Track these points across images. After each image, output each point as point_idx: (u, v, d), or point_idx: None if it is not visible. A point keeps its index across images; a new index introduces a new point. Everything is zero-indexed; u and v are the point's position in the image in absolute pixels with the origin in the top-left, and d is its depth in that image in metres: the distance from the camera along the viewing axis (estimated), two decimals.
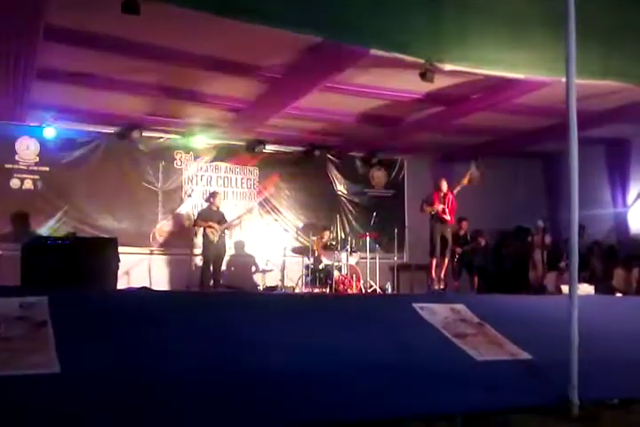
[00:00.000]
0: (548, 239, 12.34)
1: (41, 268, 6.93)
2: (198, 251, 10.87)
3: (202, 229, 10.70)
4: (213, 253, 10.60)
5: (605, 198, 12.78)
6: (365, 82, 8.98)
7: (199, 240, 10.80)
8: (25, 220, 10.83)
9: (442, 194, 10.78)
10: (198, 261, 11.02)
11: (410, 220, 13.53)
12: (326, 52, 7.47)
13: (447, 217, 10.72)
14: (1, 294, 4.51)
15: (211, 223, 10.60)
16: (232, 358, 4.11)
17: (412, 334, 4.99)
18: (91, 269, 7.15)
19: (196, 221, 10.84)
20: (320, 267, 11.20)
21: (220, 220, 10.80)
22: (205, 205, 11.28)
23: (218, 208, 10.99)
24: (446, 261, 10.91)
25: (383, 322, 5.09)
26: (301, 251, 12.00)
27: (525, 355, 4.83)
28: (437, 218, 10.68)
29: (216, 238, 10.56)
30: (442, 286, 10.86)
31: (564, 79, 4.50)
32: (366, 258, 11.72)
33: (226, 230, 10.89)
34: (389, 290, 11.87)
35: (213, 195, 11.12)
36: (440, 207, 10.60)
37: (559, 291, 10.26)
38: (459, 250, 11.74)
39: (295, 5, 5.18)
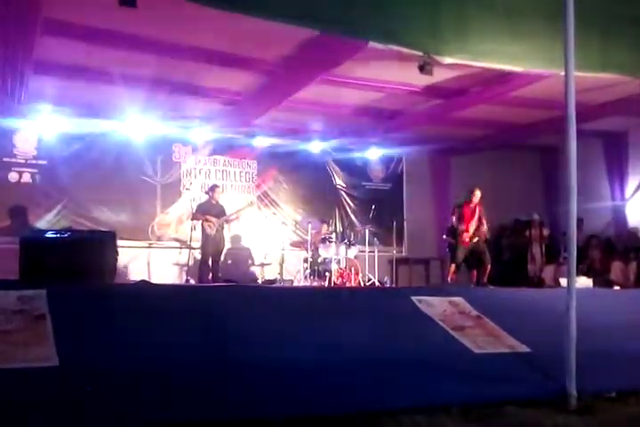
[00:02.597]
0: (545, 232, 12.36)
1: (39, 261, 6.91)
2: (196, 244, 10.87)
3: (200, 222, 10.69)
4: (212, 246, 10.59)
5: (603, 191, 12.80)
6: (364, 75, 8.97)
7: (197, 233, 10.80)
8: (23, 213, 10.82)
9: (472, 206, 10.18)
10: (197, 254, 11.02)
11: (408, 213, 13.54)
12: (324, 44, 7.45)
13: (475, 239, 10.19)
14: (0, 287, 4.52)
15: (208, 217, 10.57)
16: (232, 350, 4.12)
17: (411, 326, 5.01)
18: (89, 262, 7.13)
19: (194, 214, 10.82)
20: (319, 260, 11.20)
21: (219, 213, 10.77)
22: (205, 198, 11.27)
23: (217, 202, 10.96)
24: (488, 267, 10.24)
25: (382, 315, 5.11)
26: (300, 244, 12.01)
27: (523, 347, 4.85)
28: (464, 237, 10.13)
29: (213, 232, 10.53)
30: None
31: (562, 72, 4.49)
32: (365, 251, 11.72)
33: (224, 224, 10.87)
34: (388, 283, 11.89)
35: (213, 188, 11.09)
36: (466, 237, 10.06)
37: (557, 284, 10.28)
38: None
39: None
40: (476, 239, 10.25)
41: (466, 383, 4.12)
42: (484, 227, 10.32)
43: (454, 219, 10.32)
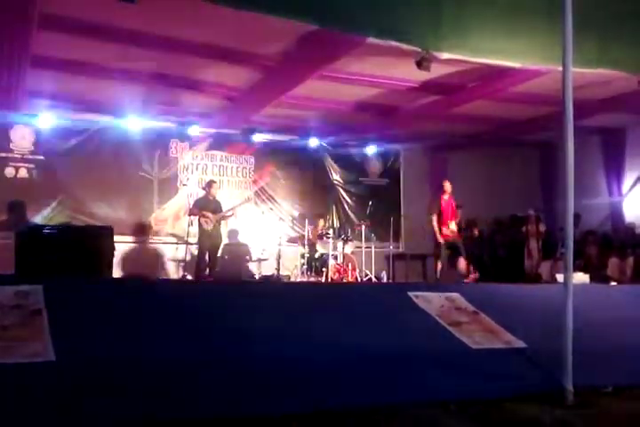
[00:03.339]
0: (542, 228, 12.38)
1: (36, 256, 6.92)
2: (193, 239, 10.87)
3: (197, 218, 10.69)
4: (208, 242, 10.59)
5: (601, 187, 12.83)
6: (361, 70, 8.96)
7: (194, 229, 10.80)
8: (20, 208, 10.80)
9: (446, 197, 10.83)
10: (194, 249, 11.02)
11: (405, 209, 13.55)
12: (322, 40, 7.43)
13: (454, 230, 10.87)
14: None
15: (205, 212, 10.58)
16: (228, 346, 4.12)
17: (408, 322, 5.00)
18: (86, 257, 7.14)
19: (191, 209, 10.83)
20: (316, 256, 11.20)
21: (216, 209, 10.78)
22: (202, 193, 11.27)
23: (214, 197, 10.96)
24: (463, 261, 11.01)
25: (379, 310, 5.10)
26: (297, 240, 12.01)
27: (520, 343, 4.85)
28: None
29: (210, 228, 10.54)
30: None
31: (560, 68, 4.49)
32: (362, 247, 11.72)
33: (221, 220, 10.87)
34: (385, 279, 11.90)
35: (210, 184, 11.09)
36: (447, 231, 10.73)
37: (554, 279, 10.29)
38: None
39: None
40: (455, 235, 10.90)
41: (463, 379, 4.12)
42: (458, 220, 10.99)
43: (434, 219, 10.74)
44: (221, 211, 10.86)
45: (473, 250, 12.17)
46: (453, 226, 10.87)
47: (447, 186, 10.85)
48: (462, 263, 10.88)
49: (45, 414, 3.18)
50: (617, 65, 6.27)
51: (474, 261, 12.15)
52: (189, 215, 10.84)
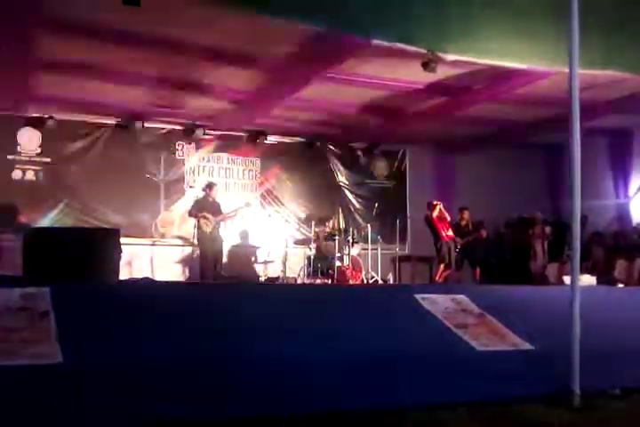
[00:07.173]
0: (548, 230, 12.34)
1: (43, 259, 6.92)
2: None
3: (197, 219, 10.66)
4: (209, 244, 10.54)
5: (608, 189, 12.80)
6: (367, 72, 8.95)
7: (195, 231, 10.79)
8: (27, 211, 10.82)
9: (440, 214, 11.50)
10: (199, 251, 11.01)
11: (412, 211, 13.52)
12: (328, 42, 7.44)
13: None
14: (3, 284, 4.53)
15: (204, 214, 10.54)
16: (234, 348, 4.12)
17: (414, 324, 5.00)
18: (93, 259, 7.13)
19: (190, 211, 10.81)
20: (322, 258, 11.18)
21: (215, 211, 10.72)
22: (202, 195, 11.24)
23: (214, 199, 10.92)
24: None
25: (385, 312, 5.11)
26: (303, 242, 12.00)
27: (527, 345, 4.85)
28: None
29: (209, 230, 10.49)
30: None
31: (566, 69, 4.48)
32: (368, 249, 11.71)
33: (221, 222, 10.83)
34: (391, 281, 11.88)
35: (210, 186, 11.04)
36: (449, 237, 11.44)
37: (561, 282, 10.27)
38: (460, 241, 11.73)
39: None
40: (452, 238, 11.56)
41: (469, 381, 4.11)
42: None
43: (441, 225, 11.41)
44: (221, 213, 10.82)
45: (480, 252, 12.15)
46: (450, 232, 11.40)
47: (437, 206, 11.48)
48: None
49: (52, 415, 3.19)
50: (624, 66, 6.27)
51: (480, 262, 12.17)
52: (189, 216, 10.82)
